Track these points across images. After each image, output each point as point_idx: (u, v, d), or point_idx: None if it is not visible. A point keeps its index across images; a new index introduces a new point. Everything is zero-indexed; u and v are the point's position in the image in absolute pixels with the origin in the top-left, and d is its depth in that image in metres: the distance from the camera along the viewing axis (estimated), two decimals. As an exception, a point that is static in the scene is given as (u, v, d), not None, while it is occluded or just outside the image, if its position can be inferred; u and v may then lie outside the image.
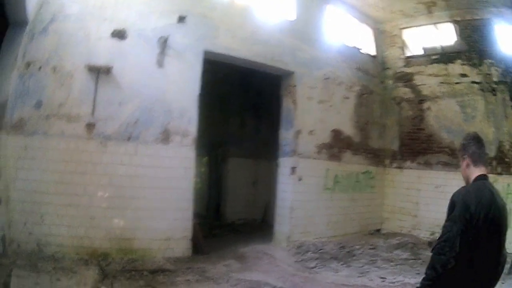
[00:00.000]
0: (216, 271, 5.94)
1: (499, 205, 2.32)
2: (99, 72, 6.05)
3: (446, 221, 2.30)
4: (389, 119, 9.60)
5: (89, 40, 6.09)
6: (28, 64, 5.79)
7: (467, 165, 2.48)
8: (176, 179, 6.46)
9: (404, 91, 9.11)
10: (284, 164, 8.05)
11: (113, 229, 5.99)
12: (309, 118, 8.18)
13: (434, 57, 8.59)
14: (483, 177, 2.42)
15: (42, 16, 5.88)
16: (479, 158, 2.47)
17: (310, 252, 7.14)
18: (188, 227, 6.50)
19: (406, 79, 9.05)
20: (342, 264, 6.63)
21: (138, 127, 6.27)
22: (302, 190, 7.91)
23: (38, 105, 5.84)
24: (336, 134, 8.70)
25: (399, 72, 9.23)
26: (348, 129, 8.99)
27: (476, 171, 2.44)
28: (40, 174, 5.80)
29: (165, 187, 6.34)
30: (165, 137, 6.45)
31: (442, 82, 8.39)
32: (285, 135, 8.14)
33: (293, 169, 7.89)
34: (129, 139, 6.20)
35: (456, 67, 8.13)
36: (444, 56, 8.34)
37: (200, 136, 12.56)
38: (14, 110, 5.72)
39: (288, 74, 8.13)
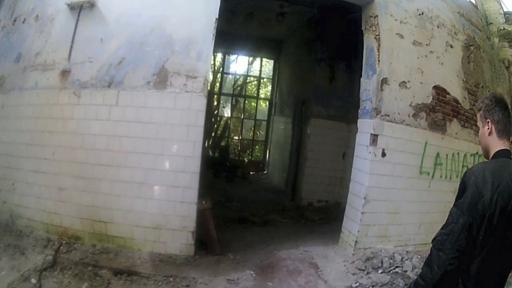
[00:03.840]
0: (207, 289, 3.89)
1: None
2: (81, 9, 4.74)
3: (453, 206, 1.71)
4: (500, 86, 7.00)
5: (74, -23, 4.85)
6: (14, 20, 5.38)
7: (490, 133, 1.84)
8: (173, 141, 4.47)
9: (511, 53, 7.14)
10: (363, 128, 5.29)
11: (84, 206, 4.46)
12: (399, 62, 5.25)
13: (527, 13, 6.53)
14: (506, 153, 1.79)
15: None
16: (504, 128, 1.83)
17: (380, 271, 4.41)
18: (190, 213, 4.47)
19: (509, 38, 7.28)
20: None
21: (123, 68, 4.55)
22: (385, 171, 5.05)
23: (18, 58, 5.11)
24: (440, 93, 5.52)
25: (501, 29, 7.45)
26: (455, 89, 5.72)
27: (499, 144, 1.82)
28: (14, 135, 4.88)
29: (155, 153, 4.45)
30: (161, 79, 4.51)
31: (543, 44, 6.23)
32: (366, 85, 5.33)
33: (374, 138, 5.06)
34: (109, 85, 4.54)
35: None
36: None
37: (286, 92, 10.85)
38: (-2, 70, 5.17)
39: (367, 2, 5.38)
